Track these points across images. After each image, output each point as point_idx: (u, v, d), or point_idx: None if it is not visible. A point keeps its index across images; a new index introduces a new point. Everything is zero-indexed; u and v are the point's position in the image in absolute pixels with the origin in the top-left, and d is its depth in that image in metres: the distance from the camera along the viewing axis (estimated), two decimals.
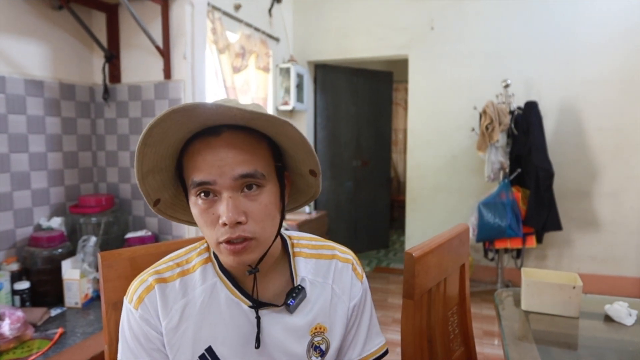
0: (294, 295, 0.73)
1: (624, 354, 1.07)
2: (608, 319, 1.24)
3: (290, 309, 0.72)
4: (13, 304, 1.60)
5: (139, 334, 0.69)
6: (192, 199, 0.67)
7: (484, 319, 2.90)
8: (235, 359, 0.70)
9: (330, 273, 0.79)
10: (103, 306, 0.88)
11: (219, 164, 0.64)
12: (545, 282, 1.28)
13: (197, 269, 0.73)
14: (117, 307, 0.89)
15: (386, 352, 0.83)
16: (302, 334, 0.74)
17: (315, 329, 0.75)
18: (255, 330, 0.70)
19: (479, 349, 2.33)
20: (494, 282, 3.42)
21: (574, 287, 1.24)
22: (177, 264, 0.74)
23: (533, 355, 1.03)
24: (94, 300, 1.75)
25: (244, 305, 0.71)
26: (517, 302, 1.34)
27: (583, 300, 1.27)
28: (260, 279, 0.73)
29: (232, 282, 0.72)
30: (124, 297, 0.72)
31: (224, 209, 0.64)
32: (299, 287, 0.74)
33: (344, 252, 0.83)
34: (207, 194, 0.65)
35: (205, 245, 0.76)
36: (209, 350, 0.69)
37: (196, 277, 0.72)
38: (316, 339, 0.75)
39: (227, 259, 0.68)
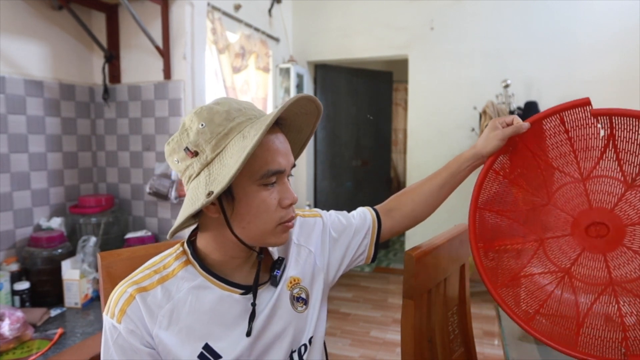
0: (277, 266, 0.78)
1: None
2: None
3: (276, 281, 0.77)
4: (13, 304, 1.60)
5: (125, 348, 0.67)
6: (251, 189, 0.68)
7: (484, 319, 2.90)
8: (237, 350, 0.71)
9: (294, 231, 0.86)
10: (103, 306, 0.88)
11: (286, 152, 0.72)
12: None
13: (177, 273, 0.72)
14: None
15: (376, 213, 0.94)
16: (283, 294, 0.78)
17: (291, 282, 0.80)
18: (252, 314, 0.73)
19: (479, 349, 2.32)
20: None
21: None
22: (154, 271, 0.72)
23: (533, 355, 1.03)
24: (93, 300, 1.75)
25: (235, 295, 0.73)
26: None
27: None
28: (247, 268, 0.77)
29: (217, 278, 0.73)
30: (104, 314, 0.70)
31: (288, 191, 0.71)
32: (280, 259, 0.79)
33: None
34: (273, 181, 0.70)
35: (181, 249, 0.76)
36: (207, 347, 0.70)
37: (178, 280, 0.72)
38: (295, 290, 0.80)
39: (279, 239, 0.73)
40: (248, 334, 0.72)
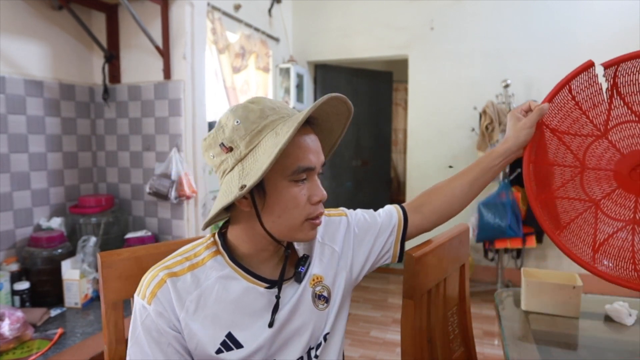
0: (302, 263, 0.79)
1: (624, 354, 1.07)
2: (608, 319, 1.24)
3: (300, 277, 0.79)
4: (13, 304, 1.60)
5: (151, 329, 0.70)
6: (282, 184, 0.71)
7: (484, 319, 2.90)
8: (258, 341, 0.73)
9: (319, 229, 0.86)
10: (103, 306, 0.88)
11: (317, 150, 0.74)
12: (545, 282, 1.28)
13: (207, 262, 0.75)
14: (116, 307, 0.89)
15: (404, 211, 0.94)
16: (306, 291, 0.80)
17: (313, 280, 0.82)
18: (276, 306, 0.75)
19: (479, 349, 2.32)
20: (494, 282, 3.42)
21: (574, 287, 1.24)
22: (185, 258, 0.75)
23: (533, 355, 1.03)
24: (93, 300, 1.75)
25: (260, 288, 0.75)
26: (517, 302, 1.34)
27: (583, 300, 1.27)
28: (274, 262, 0.79)
29: (245, 270, 0.75)
30: (135, 295, 0.73)
31: (318, 189, 0.74)
32: (305, 256, 0.81)
33: None
34: (303, 178, 0.72)
35: (212, 240, 0.78)
36: (229, 336, 0.72)
37: (207, 268, 0.75)
38: (317, 288, 0.82)
39: (307, 235, 0.75)
40: (270, 325, 0.74)
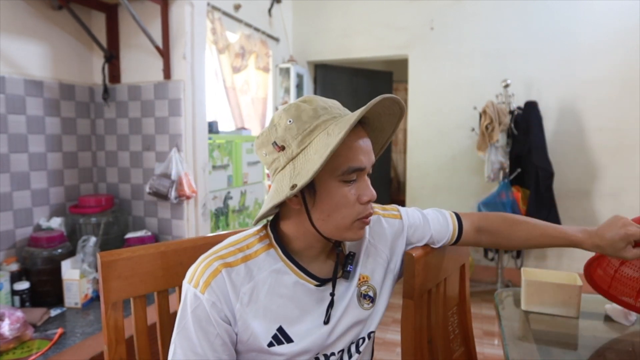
0: (349, 262, 0.81)
1: (624, 354, 1.07)
2: (608, 319, 1.23)
3: (349, 275, 0.80)
4: (13, 304, 1.60)
5: (202, 318, 0.70)
6: (333, 184, 0.71)
7: (484, 319, 2.90)
8: (311, 337, 0.75)
9: (370, 229, 0.87)
10: (103, 306, 0.88)
11: (368, 150, 0.74)
12: (545, 282, 1.28)
13: (260, 254, 0.76)
14: (116, 307, 0.89)
15: (458, 217, 0.97)
16: (353, 289, 0.82)
17: (360, 280, 0.83)
18: (324, 305, 0.77)
19: (479, 349, 2.32)
20: (494, 282, 3.42)
21: (574, 287, 1.24)
22: (238, 249, 0.76)
23: (533, 355, 1.03)
24: (93, 300, 1.75)
25: (310, 285, 0.77)
26: (517, 302, 1.34)
27: (583, 300, 1.27)
28: (322, 259, 0.80)
29: (296, 265, 0.76)
30: (185, 282, 0.73)
31: (367, 189, 0.73)
32: (351, 254, 0.82)
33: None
34: (353, 178, 0.72)
35: (264, 232, 0.79)
36: (280, 329, 0.74)
37: (260, 261, 0.75)
38: (362, 288, 0.83)
39: (356, 234, 0.75)
40: (326, 322, 0.76)
